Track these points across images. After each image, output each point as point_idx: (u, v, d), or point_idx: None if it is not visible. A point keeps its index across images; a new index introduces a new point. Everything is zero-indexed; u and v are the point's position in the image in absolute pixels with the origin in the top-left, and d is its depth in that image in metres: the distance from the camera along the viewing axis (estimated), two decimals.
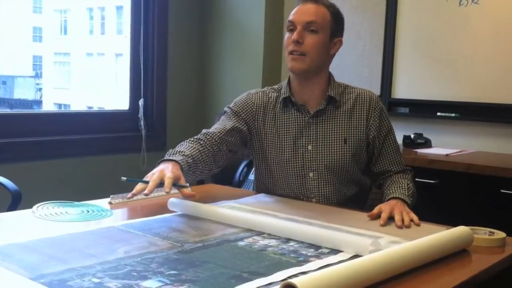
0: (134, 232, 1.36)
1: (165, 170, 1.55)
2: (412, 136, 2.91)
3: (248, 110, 1.87)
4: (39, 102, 9.54)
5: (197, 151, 1.70)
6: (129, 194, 1.56)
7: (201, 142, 1.74)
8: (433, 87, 3.02)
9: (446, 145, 2.96)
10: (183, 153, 1.67)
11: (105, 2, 9.67)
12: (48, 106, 9.53)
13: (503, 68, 2.80)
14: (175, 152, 1.67)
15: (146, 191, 1.48)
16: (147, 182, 1.51)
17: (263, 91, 1.91)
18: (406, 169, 1.88)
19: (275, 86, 1.91)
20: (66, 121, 3.22)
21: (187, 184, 1.59)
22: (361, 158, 1.84)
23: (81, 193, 2.29)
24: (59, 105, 9.33)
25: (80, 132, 3.19)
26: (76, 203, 1.64)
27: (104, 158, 3.26)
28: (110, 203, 1.67)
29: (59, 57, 10.23)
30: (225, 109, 1.91)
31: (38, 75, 10.05)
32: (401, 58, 3.12)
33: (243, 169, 3.01)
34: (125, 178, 1.50)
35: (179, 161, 1.61)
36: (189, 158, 1.65)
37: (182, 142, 1.75)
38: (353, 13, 3.20)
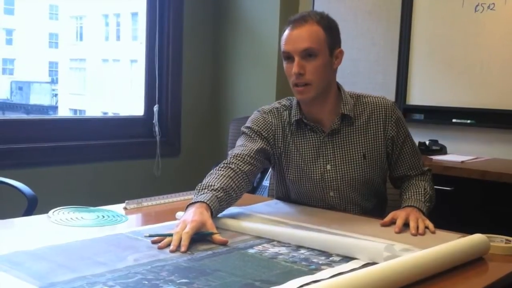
0: (142, 239, 1.35)
1: (187, 220, 1.38)
2: (427, 142, 2.89)
3: (269, 130, 1.79)
4: (54, 108, 9.64)
5: (228, 178, 1.59)
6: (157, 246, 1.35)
7: (232, 166, 1.64)
8: (448, 93, 3.00)
9: (461, 152, 2.93)
10: (212, 187, 1.54)
11: (120, 8, 9.76)
12: (63, 112, 9.63)
13: None
14: (204, 187, 1.55)
15: (171, 248, 1.29)
16: (171, 235, 1.34)
17: (277, 109, 1.81)
18: (424, 171, 1.84)
19: (284, 102, 1.83)
20: (81, 126, 3.24)
21: (214, 231, 1.38)
22: (383, 169, 1.80)
23: (96, 199, 2.31)
24: (75, 111, 9.41)
25: (95, 137, 3.20)
26: (92, 208, 1.65)
27: (118, 163, 3.28)
28: (125, 208, 1.68)
29: (75, 63, 10.33)
30: (244, 129, 1.80)
31: (54, 81, 10.17)
32: (416, 64, 3.10)
33: (257, 175, 3.00)
34: (148, 234, 1.37)
35: (207, 201, 1.47)
36: (220, 192, 1.53)
37: (212, 171, 1.63)
38: (368, 19, 3.19)
